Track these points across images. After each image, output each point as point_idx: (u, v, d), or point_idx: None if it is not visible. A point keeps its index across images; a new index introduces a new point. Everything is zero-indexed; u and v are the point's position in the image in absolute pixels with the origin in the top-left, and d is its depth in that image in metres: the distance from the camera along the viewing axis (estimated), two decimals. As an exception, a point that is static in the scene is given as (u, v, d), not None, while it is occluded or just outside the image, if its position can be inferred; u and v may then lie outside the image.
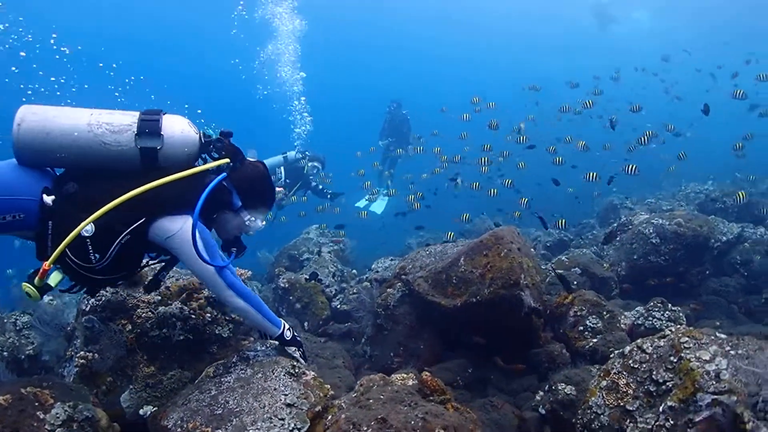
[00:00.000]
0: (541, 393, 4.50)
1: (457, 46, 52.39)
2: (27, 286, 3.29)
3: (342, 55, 50.78)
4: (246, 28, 22.13)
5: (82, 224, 3.17)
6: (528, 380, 5.23)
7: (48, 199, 3.25)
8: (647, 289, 7.29)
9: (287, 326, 3.95)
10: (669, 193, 13.85)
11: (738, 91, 10.65)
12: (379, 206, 16.35)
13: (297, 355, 4.01)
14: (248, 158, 3.80)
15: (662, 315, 5.37)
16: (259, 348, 4.16)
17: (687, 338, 3.26)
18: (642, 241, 7.19)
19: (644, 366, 3.33)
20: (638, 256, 7.18)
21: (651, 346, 3.41)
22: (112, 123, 3.37)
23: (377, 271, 7.92)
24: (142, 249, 3.59)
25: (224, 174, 3.55)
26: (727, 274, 8.00)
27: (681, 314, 5.46)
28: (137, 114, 3.46)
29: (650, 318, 5.38)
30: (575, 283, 6.77)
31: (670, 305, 5.50)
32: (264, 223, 3.86)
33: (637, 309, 5.67)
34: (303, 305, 7.73)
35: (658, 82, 22.09)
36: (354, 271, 9.64)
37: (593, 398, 3.45)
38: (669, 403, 3.01)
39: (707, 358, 3.05)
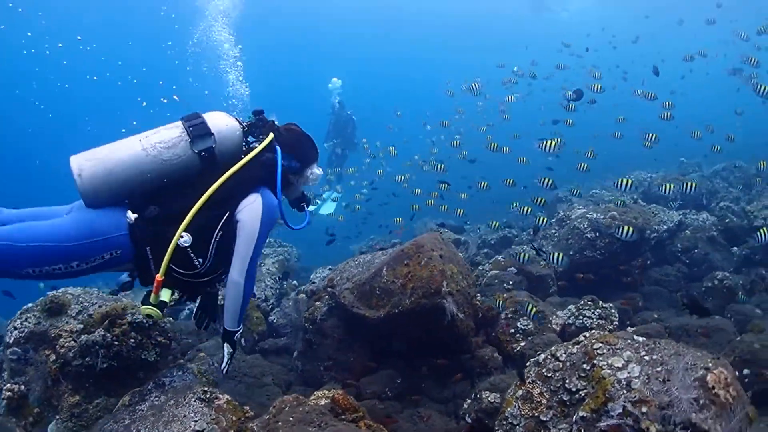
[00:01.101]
0: (469, 401, 4.34)
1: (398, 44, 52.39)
2: (147, 309, 3.39)
3: (281, 56, 50.30)
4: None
5: (176, 235, 3.33)
6: (461, 387, 5.06)
7: (133, 220, 3.35)
8: (587, 285, 7.15)
9: (240, 334, 3.95)
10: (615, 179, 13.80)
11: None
12: (328, 208, 15.95)
13: (225, 359, 3.85)
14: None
15: (593, 313, 5.22)
16: (175, 373, 3.99)
17: (600, 344, 3.10)
18: (578, 236, 7.04)
19: (558, 374, 3.17)
20: (575, 251, 7.01)
21: (564, 353, 3.25)
22: (164, 140, 3.49)
23: (314, 282, 7.67)
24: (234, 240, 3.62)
25: (279, 150, 3.78)
26: (669, 262, 7.92)
27: (613, 310, 5.32)
28: (179, 123, 3.60)
29: (581, 317, 5.23)
30: (511, 282, 6.60)
31: (601, 303, 5.34)
32: (320, 170, 4.17)
33: (569, 308, 5.50)
34: (237, 321, 7.42)
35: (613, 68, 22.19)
36: (294, 282, 9.36)
37: (509, 408, 3.29)
38: (581, 413, 2.88)
39: (620, 365, 2.91)
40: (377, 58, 54.62)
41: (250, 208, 3.54)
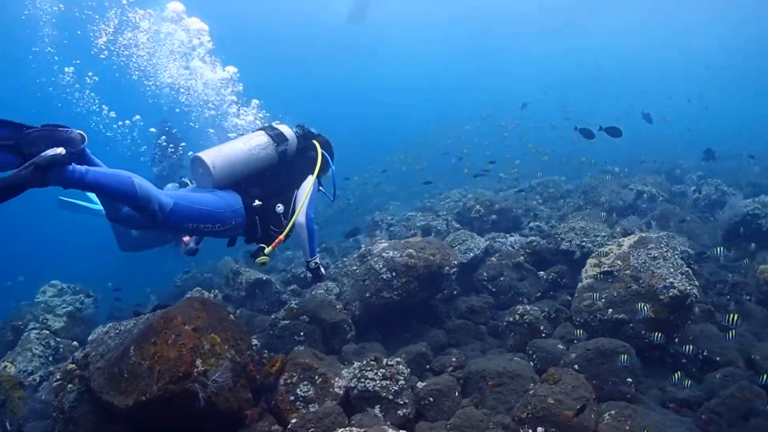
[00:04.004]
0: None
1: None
2: (262, 258, 5.21)
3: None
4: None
5: (296, 213, 5.40)
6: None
7: (262, 201, 5.20)
8: (387, 325, 6.71)
9: (319, 262, 5.87)
10: (438, 199, 13.70)
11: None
12: None
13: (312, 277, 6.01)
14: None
15: (376, 374, 4.67)
16: None
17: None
18: (374, 276, 6.50)
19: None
20: (371, 293, 6.45)
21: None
22: (260, 143, 5.22)
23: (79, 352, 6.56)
24: None
25: (323, 152, 5.86)
26: (477, 291, 7.66)
27: (401, 366, 4.81)
28: (262, 132, 5.41)
29: (363, 379, 4.66)
30: (302, 333, 6.00)
31: (386, 360, 4.83)
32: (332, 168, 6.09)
33: (353, 367, 4.96)
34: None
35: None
36: (75, 343, 8.07)
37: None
38: None
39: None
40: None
41: (306, 181, 5.58)
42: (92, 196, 8.60)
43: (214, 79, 9.55)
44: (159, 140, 16.06)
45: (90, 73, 13.22)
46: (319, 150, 5.77)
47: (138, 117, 14.66)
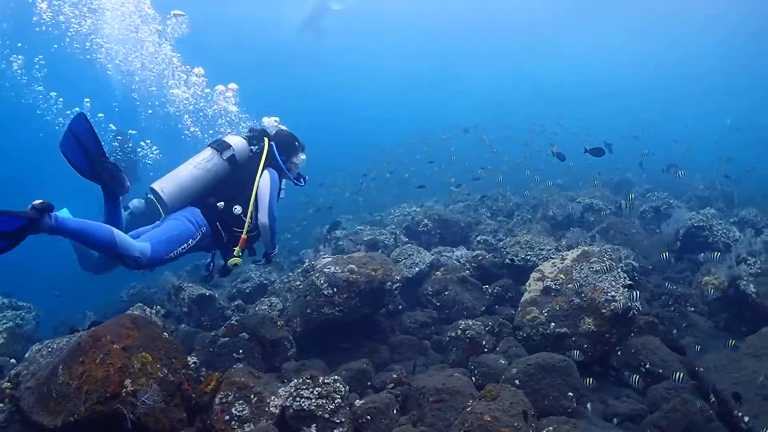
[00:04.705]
0: None
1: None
2: (234, 260, 5.47)
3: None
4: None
5: (248, 215, 5.50)
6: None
7: (220, 205, 5.42)
8: (330, 341, 6.57)
9: (276, 252, 6.11)
10: (386, 213, 13.64)
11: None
12: None
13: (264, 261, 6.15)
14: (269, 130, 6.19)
15: (311, 393, 4.51)
16: None
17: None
18: (315, 292, 6.34)
19: None
20: (312, 309, 6.28)
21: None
22: (204, 157, 5.48)
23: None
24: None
25: (271, 143, 5.92)
26: (422, 306, 7.56)
27: (338, 384, 4.65)
28: (207, 147, 5.62)
29: (298, 398, 4.50)
30: (241, 351, 5.81)
31: (322, 379, 4.67)
32: (304, 156, 6.28)
33: (289, 386, 4.79)
34: None
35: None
36: (12, 360, 7.39)
37: None
38: None
39: None
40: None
41: (262, 177, 5.60)
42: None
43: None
44: (113, 153, 15.72)
45: (37, 59, 12.97)
46: (266, 143, 5.85)
47: (87, 100, 14.28)
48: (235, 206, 5.44)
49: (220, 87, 9.77)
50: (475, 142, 19.29)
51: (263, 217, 5.49)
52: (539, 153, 15.81)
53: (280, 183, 5.83)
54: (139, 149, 14.25)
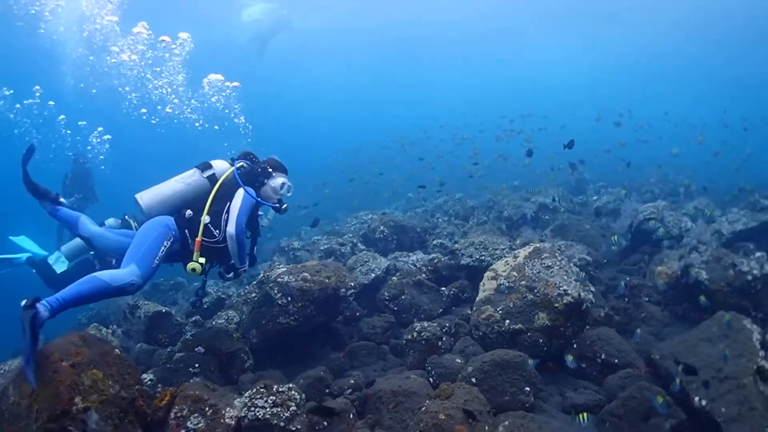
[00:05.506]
0: None
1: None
2: (192, 264, 5.43)
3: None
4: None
5: (203, 215, 5.60)
6: None
7: (188, 213, 5.64)
8: (288, 351, 6.51)
9: (246, 269, 6.10)
10: (344, 222, 13.63)
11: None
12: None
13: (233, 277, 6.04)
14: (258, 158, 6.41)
15: (266, 402, 4.46)
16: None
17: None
18: (269, 303, 6.28)
19: None
20: (267, 320, 6.21)
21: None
22: (187, 174, 5.86)
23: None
24: None
25: (240, 165, 6.10)
26: (380, 311, 7.54)
27: (293, 392, 4.61)
28: (194, 168, 5.93)
29: (253, 408, 4.45)
30: (197, 365, 5.71)
31: (276, 387, 4.62)
32: (281, 180, 6.26)
33: (243, 396, 4.72)
34: None
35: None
36: None
37: None
38: None
39: None
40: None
41: (237, 193, 5.72)
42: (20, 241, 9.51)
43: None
44: (67, 175, 15.46)
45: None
46: (235, 166, 6.03)
47: (38, 87, 13.93)
48: (205, 216, 5.59)
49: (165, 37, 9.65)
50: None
51: (231, 227, 5.53)
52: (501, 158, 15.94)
53: (258, 205, 5.94)
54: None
